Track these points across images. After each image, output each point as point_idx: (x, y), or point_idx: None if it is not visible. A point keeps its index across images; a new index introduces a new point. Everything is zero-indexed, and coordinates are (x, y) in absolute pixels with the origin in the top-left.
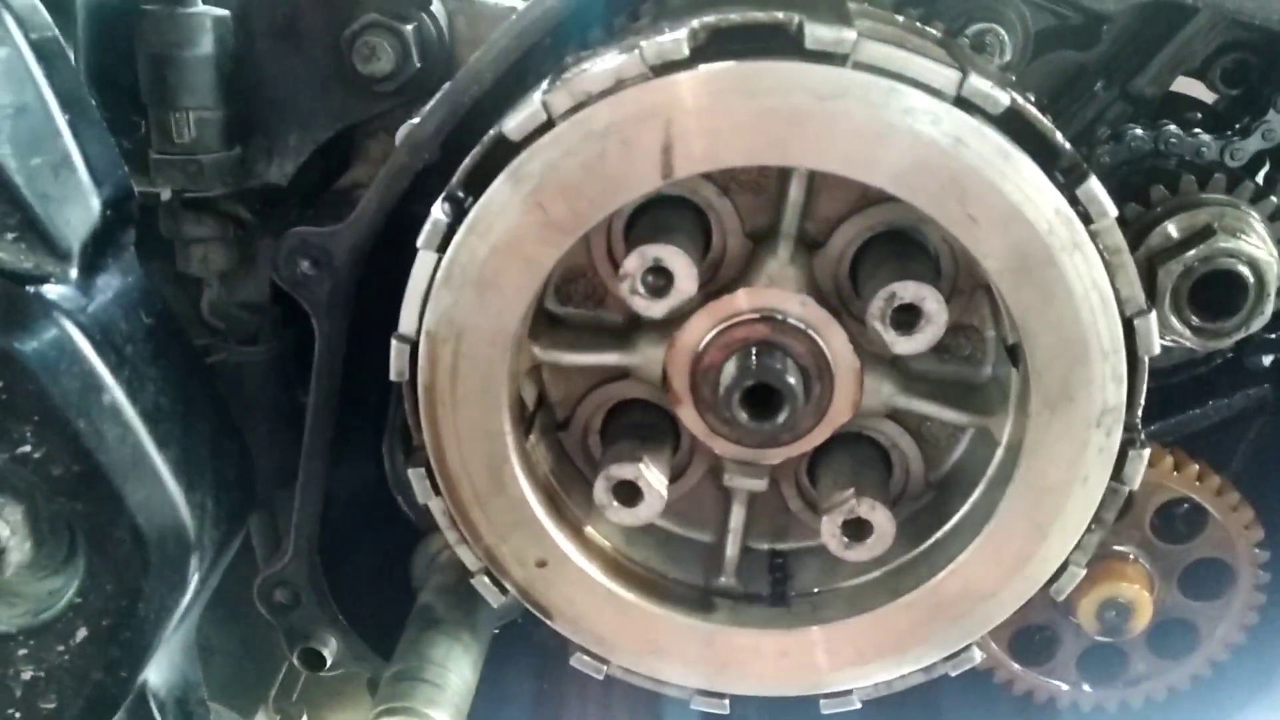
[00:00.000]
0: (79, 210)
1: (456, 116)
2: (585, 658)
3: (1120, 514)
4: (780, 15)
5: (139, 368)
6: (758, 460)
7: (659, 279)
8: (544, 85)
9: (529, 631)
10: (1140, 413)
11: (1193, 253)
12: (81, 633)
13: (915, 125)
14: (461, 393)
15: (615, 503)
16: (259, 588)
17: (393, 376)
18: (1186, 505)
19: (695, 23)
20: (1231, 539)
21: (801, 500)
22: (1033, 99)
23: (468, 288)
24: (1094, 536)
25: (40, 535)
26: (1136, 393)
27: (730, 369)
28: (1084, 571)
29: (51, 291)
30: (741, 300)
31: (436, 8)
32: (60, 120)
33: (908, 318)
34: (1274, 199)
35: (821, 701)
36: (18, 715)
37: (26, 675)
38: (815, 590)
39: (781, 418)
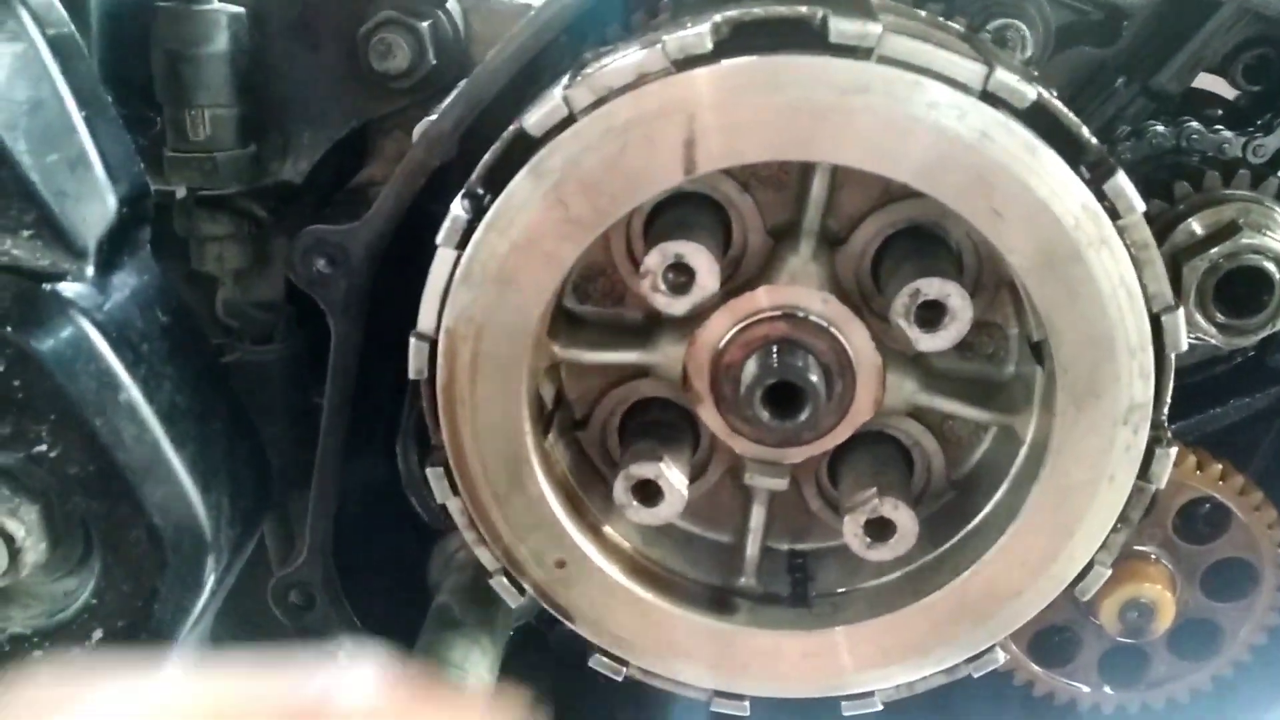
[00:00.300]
0: (95, 207)
1: (474, 113)
2: (604, 659)
3: (1144, 513)
4: (804, 9)
5: (155, 366)
6: (778, 459)
7: (680, 276)
8: (564, 80)
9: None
10: (1167, 410)
11: (1218, 249)
12: (97, 634)
13: (940, 120)
14: (481, 391)
15: (635, 502)
16: (273, 590)
17: (411, 375)
18: (1209, 505)
19: (718, 17)
20: (1255, 539)
21: (822, 500)
22: (1056, 94)
23: (487, 285)
24: (1120, 536)
25: (56, 535)
26: (1163, 390)
27: (751, 367)
28: (1110, 571)
29: (68, 289)
30: (762, 298)
31: (452, 5)
32: (76, 116)
33: (932, 314)
34: None
35: (843, 703)
36: None
37: None
38: (837, 591)
39: (803, 416)
